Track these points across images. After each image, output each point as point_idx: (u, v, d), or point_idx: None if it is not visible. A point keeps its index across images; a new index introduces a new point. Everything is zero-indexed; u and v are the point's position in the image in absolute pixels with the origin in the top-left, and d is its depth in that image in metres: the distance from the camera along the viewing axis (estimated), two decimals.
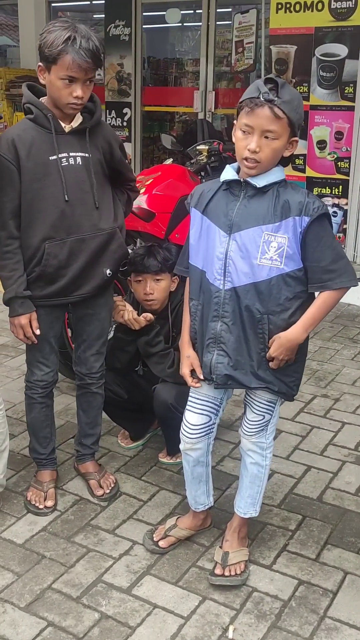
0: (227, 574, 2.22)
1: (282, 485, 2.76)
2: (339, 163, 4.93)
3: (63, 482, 2.77)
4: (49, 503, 2.59)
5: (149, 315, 2.70)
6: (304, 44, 4.82)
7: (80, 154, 2.30)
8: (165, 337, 2.77)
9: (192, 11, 7.45)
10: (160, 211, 3.93)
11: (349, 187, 4.93)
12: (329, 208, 5.04)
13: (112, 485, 2.70)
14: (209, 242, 2.06)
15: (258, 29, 6.70)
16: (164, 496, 2.70)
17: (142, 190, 3.98)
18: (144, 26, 7.36)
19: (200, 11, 7.00)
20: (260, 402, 2.17)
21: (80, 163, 2.30)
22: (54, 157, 2.26)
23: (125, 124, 7.68)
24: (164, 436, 2.92)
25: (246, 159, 1.93)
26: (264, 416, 2.19)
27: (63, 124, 2.28)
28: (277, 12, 4.93)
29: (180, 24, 7.76)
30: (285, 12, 4.88)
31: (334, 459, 2.95)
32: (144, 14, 7.26)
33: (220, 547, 2.32)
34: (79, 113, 2.30)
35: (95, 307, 2.52)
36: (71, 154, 2.29)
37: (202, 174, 4.40)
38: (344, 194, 4.96)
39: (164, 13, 7.33)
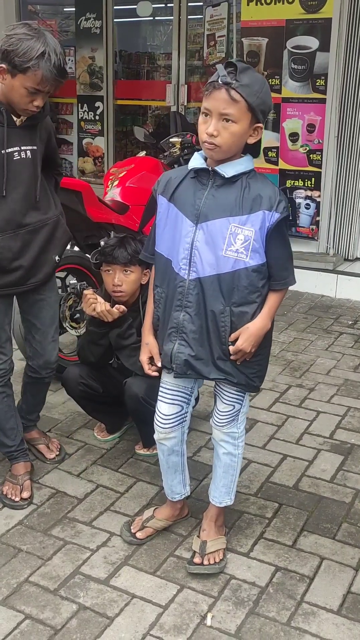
0: (205, 562, 2.23)
1: (258, 475, 2.77)
2: (311, 155, 4.95)
3: (39, 475, 2.75)
4: (25, 494, 2.57)
5: (122, 307, 2.69)
6: (275, 36, 4.83)
7: (30, 147, 2.32)
8: (137, 330, 2.77)
9: (163, 5, 7.42)
10: (134, 204, 3.92)
11: (321, 179, 4.97)
12: (302, 200, 5.07)
13: (60, 448, 2.88)
14: (175, 230, 2.04)
15: (229, 22, 6.73)
16: (141, 487, 2.69)
17: (116, 183, 3.97)
18: (115, 20, 7.31)
19: (172, 5, 6.99)
20: (229, 392, 2.18)
21: (30, 156, 2.32)
22: (2, 151, 2.25)
23: (97, 117, 7.62)
24: (137, 429, 2.91)
25: (206, 142, 1.92)
26: (233, 406, 2.20)
27: (15, 118, 2.27)
28: (248, 5, 4.93)
29: (152, 18, 7.73)
30: (256, 4, 4.87)
31: (309, 448, 2.97)
32: (115, 7, 7.22)
33: (198, 536, 2.33)
34: None
35: (44, 292, 2.58)
36: (22, 147, 2.30)
37: (176, 166, 4.39)
38: (317, 187, 5.00)
39: (135, 6, 7.29)
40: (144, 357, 2.23)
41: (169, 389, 2.23)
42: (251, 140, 1.97)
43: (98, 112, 7.60)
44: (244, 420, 2.27)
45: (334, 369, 3.78)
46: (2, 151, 2.24)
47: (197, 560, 2.24)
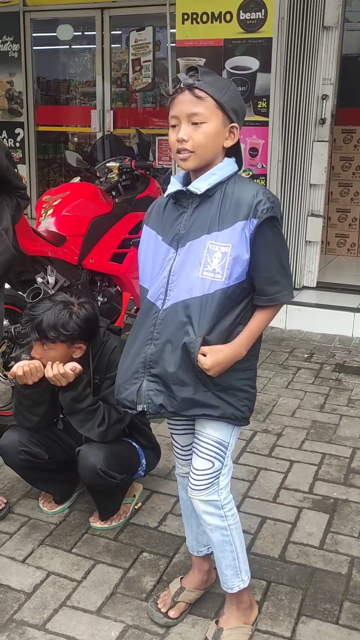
0: None
1: None
2: (255, 181, 4.70)
3: None
4: None
5: (77, 367, 2.23)
6: (212, 56, 4.58)
7: None
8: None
9: (80, 32, 7.16)
10: (72, 234, 3.52)
11: None
12: None
13: (2, 506, 2.52)
14: (156, 259, 1.83)
15: (155, 46, 6.51)
16: (102, 572, 2.25)
17: (50, 212, 3.55)
18: (33, 47, 6.98)
19: (90, 33, 6.74)
20: (207, 444, 1.84)
21: None
22: None
23: (18, 144, 7.21)
24: (94, 501, 2.47)
25: (178, 151, 1.73)
26: (213, 463, 1.84)
27: None
28: (183, 23, 4.66)
29: (69, 47, 7.46)
30: (192, 22, 4.61)
31: (289, 506, 2.61)
32: (34, 34, 6.89)
33: (217, 621, 1.96)
34: None
35: None
36: None
37: (114, 193, 4.02)
38: None
39: (55, 34, 6.99)
40: None
41: (174, 419, 1.94)
42: (228, 143, 1.76)
43: (18, 138, 7.21)
44: (227, 486, 1.89)
45: (298, 409, 3.46)
46: None
47: None
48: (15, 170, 2.52)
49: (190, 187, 1.75)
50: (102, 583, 2.19)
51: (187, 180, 1.81)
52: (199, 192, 1.74)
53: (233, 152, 1.79)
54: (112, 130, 6.79)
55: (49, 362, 2.22)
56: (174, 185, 1.80)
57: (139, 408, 1.80)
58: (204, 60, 4.60)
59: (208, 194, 1.75)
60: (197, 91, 1.69)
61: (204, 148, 1.71)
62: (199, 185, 1.74)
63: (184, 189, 1.77)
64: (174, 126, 1.73)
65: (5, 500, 2.56)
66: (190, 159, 1.72)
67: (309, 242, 4.90)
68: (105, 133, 6.65)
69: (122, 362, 1.86)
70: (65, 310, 2.24)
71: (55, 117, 7.43)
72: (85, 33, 7.16)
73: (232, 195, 1.73)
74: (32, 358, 2.31)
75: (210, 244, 1.72)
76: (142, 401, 1.79)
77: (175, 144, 1.72)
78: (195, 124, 1.69)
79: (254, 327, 1.80)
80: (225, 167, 1.75)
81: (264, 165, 4.63)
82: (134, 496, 2.60)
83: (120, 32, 7.04)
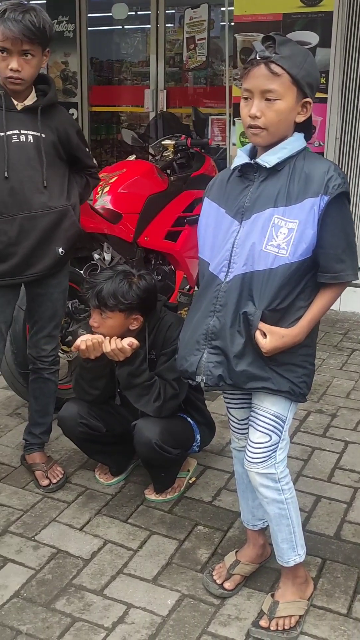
0: (272, 627, 1.89)
1: None
2: None
3: (34, 531, 2.32)
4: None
5: (134, 342, 2.24)
6: (271, 31, 4.46)
7: (32, 132, 2.27)
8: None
9: (133, 12, 7.14)
10: (127, 212, 3.53)
11: None
12: None
13: (60, 477, 2.59)
14: (219, 231, 1.82)
15: (210, 24, 6.44)
16: (157, 542, 2.28)
17: (106, 189, 3.56)
18: (88, 28, 6.99)
19: (144, 12, 6.69)
20: (265, 417, 1.84)
21: (32, 141, 2.28)
22: (2, 133, 2.23)
23: None
24: (149, 474, 2.50)
25: (250, 126, 1.72)
26: (270, 437, 1.85)
27: (16, 102, 2.27)
28: None
29: (121, 27, 7.44)
30: None
31: (344, 486, 2.59)
32: (89, 14, 6.90)
33: (272, 595, 1.97)
34: (34, 93, 2.30)
35: (47, 287, 2.45)
36: (22, 131, 2.26)
37: (169, 171, 4.01)
38: None
39: (107, 14, 6.98)
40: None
41: (231, 393, 1.97)
42: (300, 119, 1.74)
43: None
44: (284, 460, 1.89)
45: (353, 390, 3.42)
46: (2, 133, 2.22)
47: (263, 623, 1.91)
48: (87, 149, 2.54)
49: (259, 160, 1.74)
50: (157, 553, 2.23)
51: (253, 153, 1.79)
52: (268, 166, 1.73)
53: (303, 126, 1.75)
54: (165, 109, 6.77)
55: (107, 338, 2.25)
56: (241, 158, 1.79)
57: (198, 379, 1.81)
58: (262, 35, 4.51)
59: (277, 167, 1.73)
60: (273, 66, 1.65)
61: (276, 126, 1.69)
62: (269, 159, 1.73)
63: (252, 161, 1.76)
64: (246, 98, 1.71)
65: (62, 471, 2.62)
66: (262, 135, 1.71)
67: None
68: (159, 112, 6.64)
69: (184, 334, 1.87)
70: (125, 280, 2.27)
71: (109, 97, 7.44)
72: (138, 13, 7.14)
73: (302, 170, 1.71)
74: (90, 332, 2.34)
75: (277, 218, 1.71)
76: (202, 372, 1.79)
77: (247, 118, 1.71)
78: (269, 100, 1.67)
79: (316, 311, 1.78)
80: (295, 142, 1.73)
81: (322, 143, 4.54)
82: (188, 471, 2.62)
83: (173, 11, 6.99)
